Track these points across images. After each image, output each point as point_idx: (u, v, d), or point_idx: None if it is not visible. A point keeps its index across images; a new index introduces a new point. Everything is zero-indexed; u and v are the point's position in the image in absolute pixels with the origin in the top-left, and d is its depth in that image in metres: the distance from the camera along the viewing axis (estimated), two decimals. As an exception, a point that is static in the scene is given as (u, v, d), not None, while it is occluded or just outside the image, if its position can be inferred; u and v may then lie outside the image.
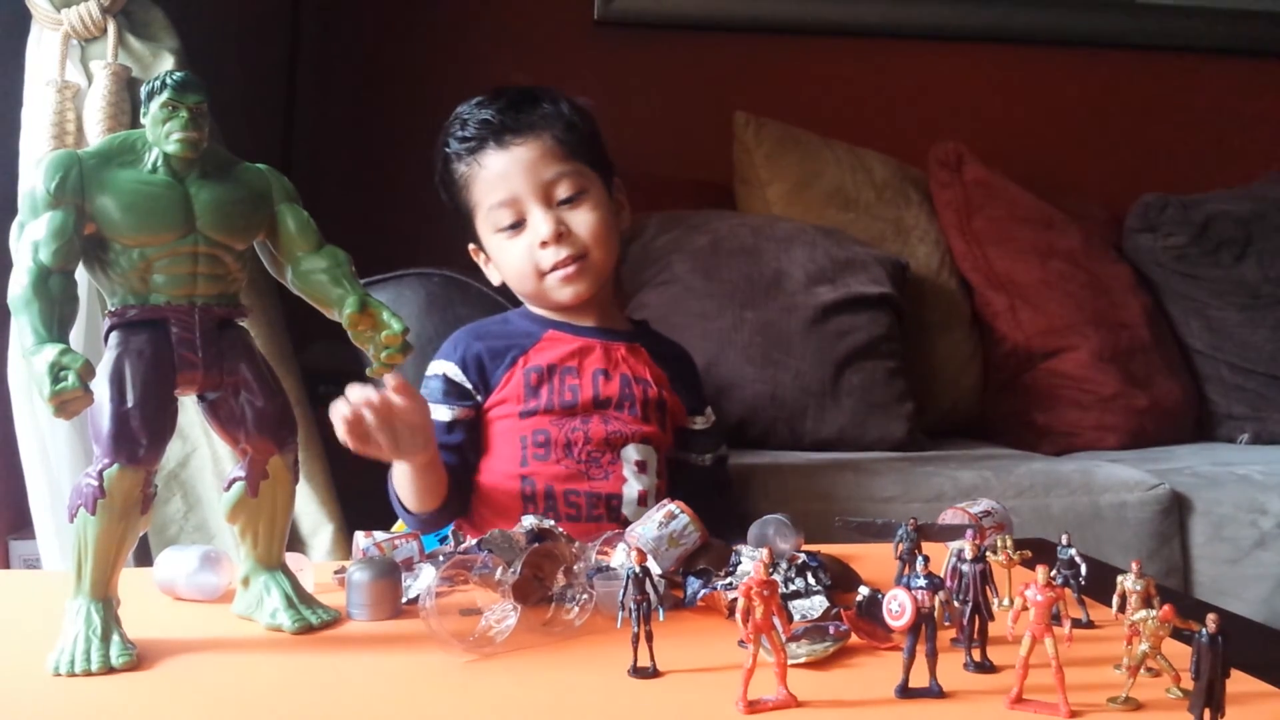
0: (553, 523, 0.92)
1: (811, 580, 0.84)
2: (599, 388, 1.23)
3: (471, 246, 1.32)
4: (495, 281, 1.32)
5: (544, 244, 1.22)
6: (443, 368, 1.26)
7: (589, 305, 1.28)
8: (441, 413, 1.23)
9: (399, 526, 1.26)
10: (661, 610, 0.72)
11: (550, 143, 1.23)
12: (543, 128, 1.23)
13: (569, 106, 1.27)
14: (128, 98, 1.29)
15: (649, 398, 1.25)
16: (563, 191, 1.23)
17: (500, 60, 2.32)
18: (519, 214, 1.23)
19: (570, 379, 1.23)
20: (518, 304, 1.34)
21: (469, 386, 1.24)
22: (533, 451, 1.21)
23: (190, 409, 0.93)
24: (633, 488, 1.21)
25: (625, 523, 1.16)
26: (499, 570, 0.81)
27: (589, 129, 1.28)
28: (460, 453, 1.23)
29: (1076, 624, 0.80)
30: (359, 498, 1.45)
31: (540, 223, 1.21)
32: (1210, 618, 0.57)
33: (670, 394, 1.29)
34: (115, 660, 0.71)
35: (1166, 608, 0.63)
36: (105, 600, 0.73)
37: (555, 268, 1.23)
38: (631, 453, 1.23)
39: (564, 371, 1.23)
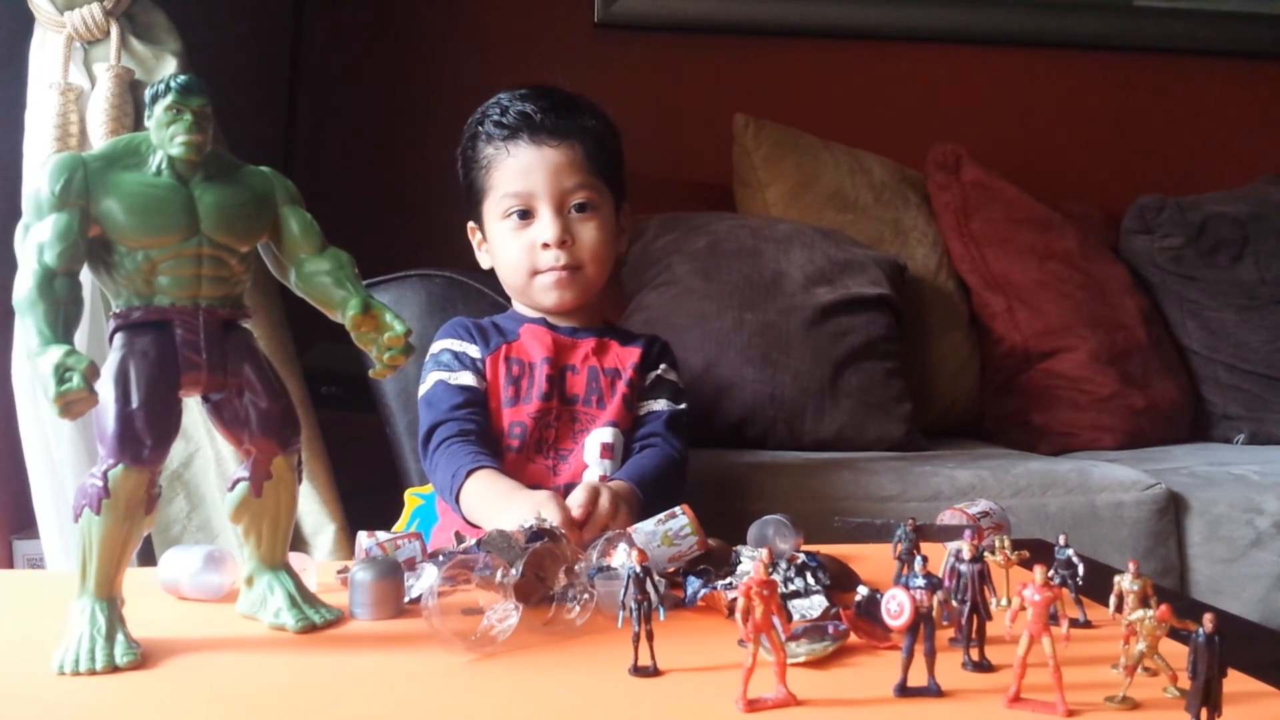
0: (553, 522, 0.92)
1: (811, 580, 0.84)
2: (567, 384, 1.25)
3: (471, 225, 1.34)
4: (485, 265, 1.34)
5: (545, 245, 1.24)
6: (448, 344, 1.28)
7: (570, 310, 1.29)
8: (466, 378, 1.24)
9: (400, 526, 1.27)
10: (662, 610, 0.72)
11: (580, 153, 1.26)
12: (577, 137, 1.26)
13: (606, 124, 1.30)
14: (131, 100, 1.29)
15: (617, 390, 1.27)
16: (576, 200, 1.25)
17: (500, 62, 2.32)
18: (529, 209, 1.25)
19: (548, 369, 1.24)
20: (506, 296, 1.36)
21: (476, 355, 1.26)
22: (507, 443, 1.22)
23: (194, 410, 0.93)
24: (594, 474, 1.21)
25: None
26: (500, 571, 0.82)
27: (616, 150, 1.31)
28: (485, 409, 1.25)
29: (1074, 623, 0.81)
30: (361, 498, 1.45)
31: (548, 225, 1.24)
32: (1207, 617, 0.58)
33: (636, 374, 1.29)
34: (120, 659, 0.71)
35: (1163, 607, 0.63)
36: (110, 600, 0.74)
37: (549, 271, 1.25)
38: (603, 434, 1.23)
39: (540, 364, 1.25)
